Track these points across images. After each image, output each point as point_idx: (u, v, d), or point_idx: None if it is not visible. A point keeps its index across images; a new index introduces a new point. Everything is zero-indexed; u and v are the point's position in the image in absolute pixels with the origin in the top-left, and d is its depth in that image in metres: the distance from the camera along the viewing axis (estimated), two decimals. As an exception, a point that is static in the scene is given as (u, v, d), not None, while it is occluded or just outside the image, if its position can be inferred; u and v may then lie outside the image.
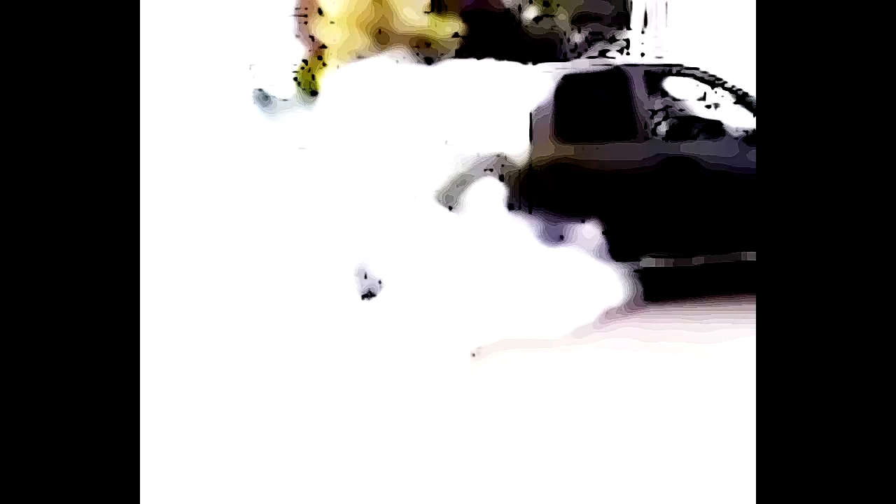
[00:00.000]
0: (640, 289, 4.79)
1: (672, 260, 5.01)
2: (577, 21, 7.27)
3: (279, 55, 7.39)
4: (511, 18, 7.04)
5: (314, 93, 6.61)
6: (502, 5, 7.02)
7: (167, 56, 7.25)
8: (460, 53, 5.95)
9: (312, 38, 7.16)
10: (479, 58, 5.70)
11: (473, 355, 3.93)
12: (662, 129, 5.32)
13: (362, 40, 6.62)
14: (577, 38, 7.23)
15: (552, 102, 4.90)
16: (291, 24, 7.56)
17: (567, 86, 4.99)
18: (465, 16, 6.87)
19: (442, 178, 4.67)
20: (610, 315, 4.58)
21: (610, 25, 7.40)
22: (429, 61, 5.97)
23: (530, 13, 7.11)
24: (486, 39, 6.74)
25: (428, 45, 6.23)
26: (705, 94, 5.58)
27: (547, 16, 7.21)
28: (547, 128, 4.86)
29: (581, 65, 5.31)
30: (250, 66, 7.06)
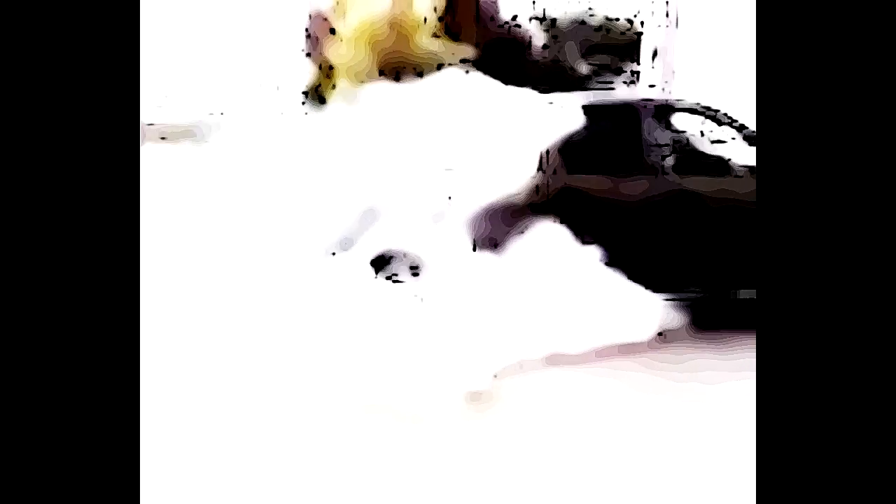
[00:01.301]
0: (655, 323, 4.78)
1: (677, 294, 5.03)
2: (587, 53, 7.32)
3: (289, 74, 7.42)
4: (521, 47, 7.09)
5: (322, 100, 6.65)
6: (514, 34, 7.07)
7: (172, 68, 7.25)
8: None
9: (323, 57, 7.19)
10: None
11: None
12: (669, 163, 5.37)
13: (374, 62, 6.66)
14: (585, 68, 7.28)
15: (561, 133, 4.95)
16: (302, 43, 7.59)
17: (576, 117, 5.05)
18: (475, 41, 6.93)
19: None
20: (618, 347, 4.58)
21: (619, 58, 7.45)
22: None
23: (539, 42, 7.17)
24: (495, 66, 6.77)
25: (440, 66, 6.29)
26: (712, 130, 5.64)
27: (555, 45, 7.27)
28: (554, 158, 4.90)
29: (591, 97, 5.38)
30: (277, 87, 7.11)
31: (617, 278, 4.77)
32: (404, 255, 4.62)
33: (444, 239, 4.62)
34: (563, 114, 4.98)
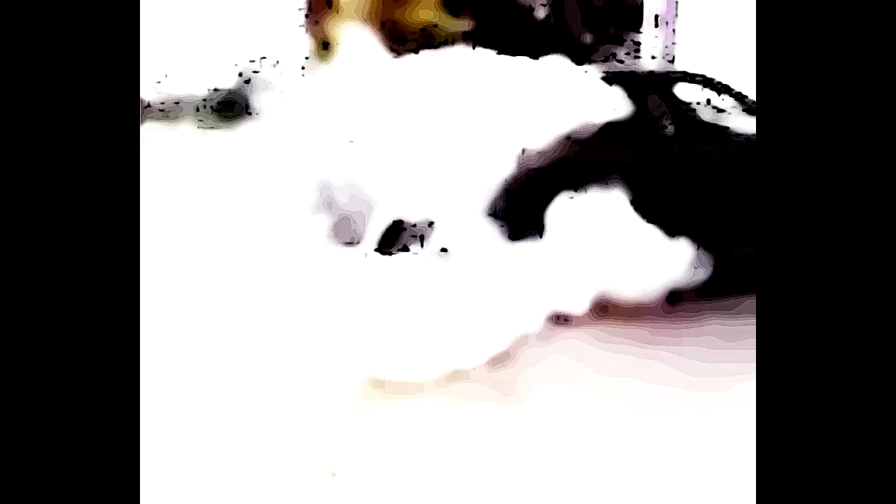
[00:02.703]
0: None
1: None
2: (588, 22, 7.28)
3: (285, 49, 7.37)
4: (523, 16, 7.05)
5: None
6: (515, 2, 7.04)
7: (168, 51, 7.22)
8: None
9: (321, 30, 7.15)
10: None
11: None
12: (671, 132, 5.39)
13: (371, 34, 6.61)
14: (588, 38, 7.24)
15: (566, 104, 4.96)
16: (299, 16, 7.53)
17: (581, 88, 5.05)
18: (475, 11, 6.89)
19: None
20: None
21: (621, 28, 7.41)
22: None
23: (541, 12, 7.12)
24: (496, 36, 6.74)
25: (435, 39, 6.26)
26: (711, 100, 5.66)
27: (556, 14, 7.22)
28: (557, 129, 4.91)
29: (595, 67, 5.37)
30: (262, 58, 7.04)
31: (618, 245, 4.80)
32: (413, 227, 4.65)
33: (450, 212, 4.63)
34: (569, 86, 4.98)
